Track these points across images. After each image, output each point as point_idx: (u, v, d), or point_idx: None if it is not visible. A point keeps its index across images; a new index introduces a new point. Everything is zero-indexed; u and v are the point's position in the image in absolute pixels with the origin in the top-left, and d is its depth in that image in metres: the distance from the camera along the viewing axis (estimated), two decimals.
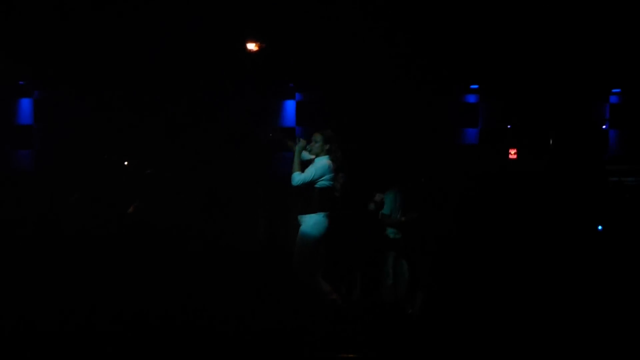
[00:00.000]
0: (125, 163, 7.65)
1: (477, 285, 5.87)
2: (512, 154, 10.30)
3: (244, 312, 5.14)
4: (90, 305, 5.04)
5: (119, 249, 6.12)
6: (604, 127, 10.51)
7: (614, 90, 10.48)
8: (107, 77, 9.25)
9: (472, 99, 10.57)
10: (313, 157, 4.99)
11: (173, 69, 9.08)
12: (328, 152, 4.93)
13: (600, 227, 7.22)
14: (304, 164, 4.92)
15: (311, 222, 4.84)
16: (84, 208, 5.58)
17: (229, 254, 6.71)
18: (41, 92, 10.17)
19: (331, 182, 4.94)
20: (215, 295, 5.61)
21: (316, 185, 4.83)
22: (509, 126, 10.20)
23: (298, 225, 4.93)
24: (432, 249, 5.81)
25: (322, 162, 4.88)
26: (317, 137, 4.97)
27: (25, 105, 10.22)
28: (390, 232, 6.01)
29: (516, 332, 4.72)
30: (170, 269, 6.11)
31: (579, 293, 5.66)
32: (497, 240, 6.65)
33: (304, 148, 4.97)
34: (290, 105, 10.30)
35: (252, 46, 8.56)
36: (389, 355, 4.45)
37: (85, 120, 9.42)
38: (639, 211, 7.35)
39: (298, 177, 4.80)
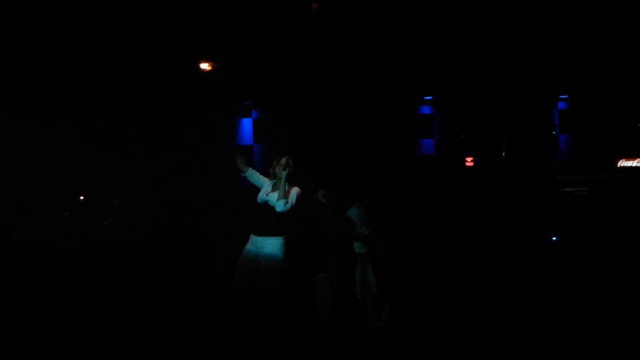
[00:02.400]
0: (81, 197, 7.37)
1: (441, 296, 5.91)
2: (469, 162, 10.52)
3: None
4: None
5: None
6: (554, 132, 10.86)
7: (561, 97, 10.84)
8: (57, 102, 9.01)
9: (427, 110, 10.77)
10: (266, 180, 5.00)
11: (127, 92, 8.91)
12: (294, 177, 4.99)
13: (554, 238, 7.39)
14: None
15: (279, 245, 4.84)
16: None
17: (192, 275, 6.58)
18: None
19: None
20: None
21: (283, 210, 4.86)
22: (463, 135, 10.41)
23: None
24: (398, 261, 5.84)
25: (296, 190, 4.89)
26: (292, 161, 5.00)
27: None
28: (356, 246, 6.02)
29: (479, 343, 4.77)
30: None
31: (536, 303, 5.76)
32: (459, 252, 6.72)
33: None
34: (247, 123, 10.27)
35: (205, 66, 8.47)
36: None
37: (37, 147, 9.14)
38: (590, 220, 7.56)
39: (285, 205, 4.75)
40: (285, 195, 4.81)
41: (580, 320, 5.18)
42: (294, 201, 4.83)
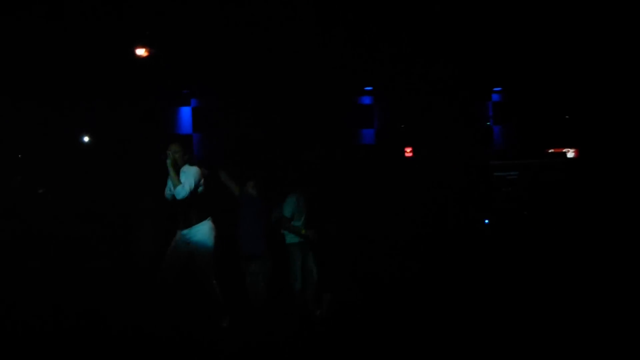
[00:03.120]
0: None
1: (382, 282, 6.01)
2: (408, 152, 10.72)
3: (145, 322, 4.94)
4: None
5: None
6: (488, 123, 11.23)
7: (495, 89, 11.22)
8: None
9: (367, 100, 10.88)
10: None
11: (62, 79, 8.53)
12: (188, 161, 4.94)
13: (486, 221, 7.66)
14: None
15: (206, 231, 4.83)
16: None
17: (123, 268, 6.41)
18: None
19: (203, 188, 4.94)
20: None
21: (198, 192, 4.82)
22: (402, 125, 10.60)
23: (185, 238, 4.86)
24: (338, 250, 5.88)
25: (192, 170, 4.86)
26: (176, 147, 4.95)
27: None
28: (295, 237, 6.01)
29: (417, 329, 4.88)
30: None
31: (472, 280, 5.96)
32: (400, 238, 6.85)
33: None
34: (186, 112, 10.05)
35: (141, 52, 8.18)
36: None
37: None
38: (520, 203, 7.89)
39: (183, 189, 4.74)
40: (178, 181, 4.79)
41: (514, 297, 5.41)
42: (193, 182, 4.82)
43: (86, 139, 9.33)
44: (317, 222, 6.17)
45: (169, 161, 4.84)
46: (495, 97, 11.30)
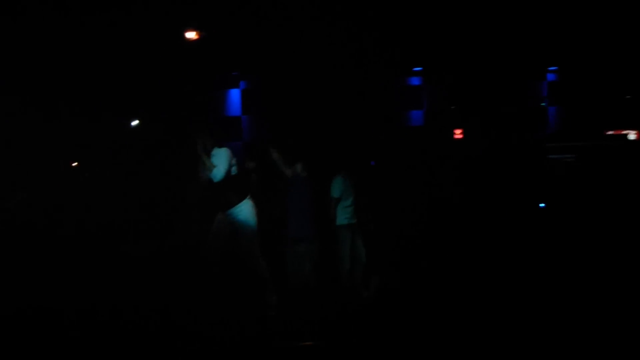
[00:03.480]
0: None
1: (432, 266, 5.93)
2: (458, 134, 10.49)
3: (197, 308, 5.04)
4: None
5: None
6: (542, 104, 10.84)
7: (550, 68, 10.80)
8: (42, 76, 8.83)
9: (416, 81, 10.69)
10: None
11: (111, 64, 8.75)
12: (217, 144, 5.02)
13: (542, 205, 7.40)
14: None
15: (248, 209, 4.91)
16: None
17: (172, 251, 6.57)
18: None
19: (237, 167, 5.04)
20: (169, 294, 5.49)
21: (232, 174, 4.90)
22: (452, 107, 10.38)
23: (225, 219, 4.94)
24: (389, 232, 5.86)
25: (222, 152, 4.92)
26: (202, 132, 5.04)
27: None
28: (345, 217, 6.01)
29: (468, 312, 4.80)
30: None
31: (524, 271, 5.79)
32: (448, 224, 6.73)
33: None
34: (235, 94, 10.14)
35: (191, 35, 8.29)
36: (344, 340, 4.45)
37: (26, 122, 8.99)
38: (578, 188, 7.58)
39: (218, 172, 4.85)
40: (211, 165, 4.87)
41: (571, 288, 5.23)
42: (226, 163, 4.88)
43: (135, 122, 9.55)
44: (366, 204, 6.17)
45: (199, 147, 4.95)
46: (550, 76, 10.88)
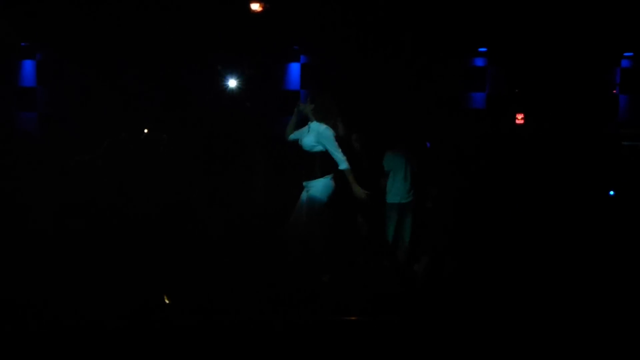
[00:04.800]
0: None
1: (490, 249, 5.82)
2: (519, 119, 10.17)
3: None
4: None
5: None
6: (614, 91, 10.33)
7: (625, 54, 10.26)
8: (109, 41, 9.12)
9: (480, 62, 10.39)
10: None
11: (174, 32, 8.91)
12: (320, 115, 4.96)
13: (612, 192, 7.10)
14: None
15: (320, 186, 4.89)
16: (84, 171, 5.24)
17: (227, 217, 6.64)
18: (43, 54, 10.06)
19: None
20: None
21: (315, 150, 4.87)
22: (516, 90, 10.04)
23: (298, 191, 4.98)
24: (446, 214, 5.79)
25: (327, 132, 4.89)
26: (313, 99, 5.03)
27: (28, 67, 10.14)
28: (395, 195, 5.98)
29: (520, 300, 4.69)
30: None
31: (592, 262, 5.57)
32: (507, 208, 6.56)
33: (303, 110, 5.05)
34: (294, 68, 10.15)
35: (256, 6, 8.33)
36: (389, 318, 4.46)
37: (89, 84, 9.31)
38: None
39: (343, 162, 4.84)
40: (293, 129, 5.11)
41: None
42: (303, 140, 4.89)
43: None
44: (421, 183, 6.11)
45: (297, 108, 5.04)
46: (625, 62, 10.33)
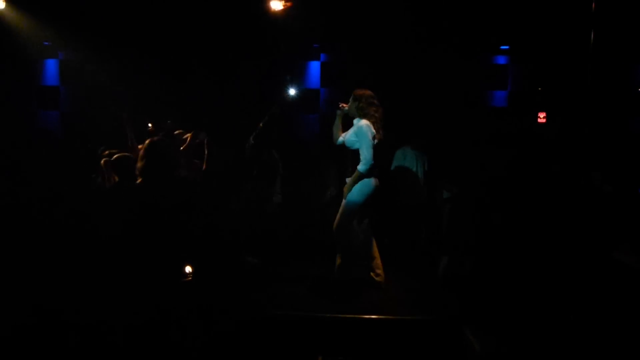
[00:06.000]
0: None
1: (504, 250, 5.75)
2: (541, 118, 10.04)
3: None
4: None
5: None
6: (639, 90, 10.15)
7: None
8: (130, 38, 9.17)
9: (502, 60, 10.27)
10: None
11: (194, 30, 8.94)
12: (361, 112, 4.95)
13: None
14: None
15: (357, 187, 4.90)
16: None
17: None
18: (66, 53, 10.16)
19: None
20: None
21: (355, 147, 4.87)
22: (539, 88, 9.91)
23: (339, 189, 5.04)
24: (464, 215, 5.75)
25: (364, 129, 4.88)
26: (351, 97, 5.05)
27: (51, 66, 10.25)
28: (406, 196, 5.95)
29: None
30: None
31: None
32: (527, 207, 6.48)
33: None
34: (314, 67, 10.13)
35: (277, 5, 8.29)
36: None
37: (111, 82, 9.37)
38: None
39: (364, 165, 4.86)
40: (338, 134, 5.09)
41: None
42: (346, 137, 4.88)
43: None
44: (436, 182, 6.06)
45: (339, 112, 4.99)
46: None
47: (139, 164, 4.53)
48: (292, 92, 7.31)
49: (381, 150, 5.74)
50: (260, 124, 5.80)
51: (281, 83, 9.14)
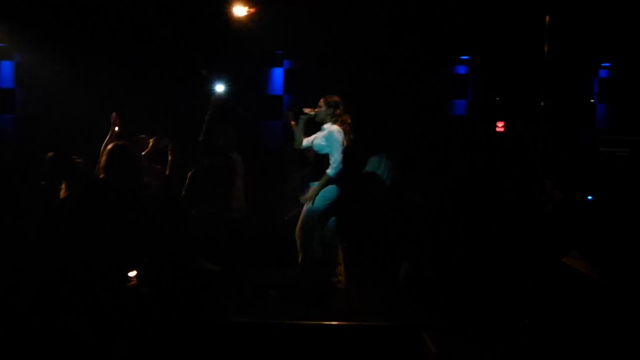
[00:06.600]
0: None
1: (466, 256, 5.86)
2: (500, 126, 10.29)
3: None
4: None
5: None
6: (592, 100, 10.52)
7: (603, 65, 10.45)
8: (88, 39, 9.00)
9: (462, 70, 10.50)
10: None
11: (156, 33, 8.83)
12: (334, 118, 4.99)
13: (590, 197, 7.21)
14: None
15: (322, 191, 4.92)
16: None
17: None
18: (22, 55, 9.89)
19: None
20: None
21: (324, 152, 4.91)
22: (497, 98, 10.16)
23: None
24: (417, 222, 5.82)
25: (332, 134, 4.90)
26: (322, 103, 5.06)
27: (6, 68, 9.95)
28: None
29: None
30: None
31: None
32: (487, 213, 6.61)
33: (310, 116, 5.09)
34: (278, 73, 10.14)
35: (241, 11, 8.25)
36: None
37: (69, 85, 9.15)
38: (630, 182, 7.32)
39: (334, 169, 4.92)
40: (299, 138, 5.19)
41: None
42: (314, 141, 4.90)
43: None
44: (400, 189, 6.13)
45: (302, 118, 5.04)
46: (602, 73, 10.53)
47: (101, 166, 4.46)
48: (218, 88, 7.21)
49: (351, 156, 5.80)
50: (205, 118, 5.77)
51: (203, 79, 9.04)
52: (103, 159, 4.46)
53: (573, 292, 4.58)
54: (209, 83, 7.76)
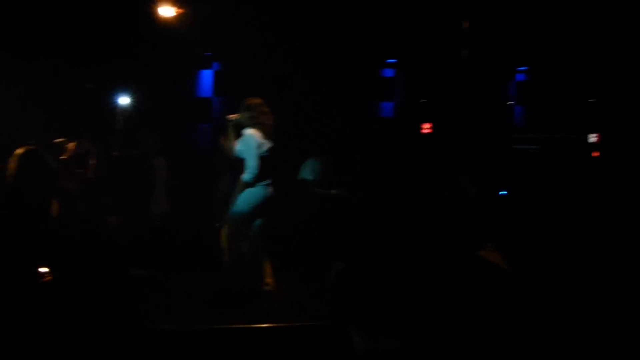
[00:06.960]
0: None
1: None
2: (426, 128, 10.60)
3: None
4: None
5: None
6: (509, 103, 11.05)
7: (520, 68, 11.00)
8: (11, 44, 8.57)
9: (389, 73, 10.76)
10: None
11: (81, 35, 8.54)
12: (253, 121, 4.97)
13: (504, 192, 7.56)
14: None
15: (251, 191, 4.90)
16: None
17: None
18: None
19: (263, 152, 4.95)
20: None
21: (243, 157, 4.89)
22: (423, 100, 10.48)
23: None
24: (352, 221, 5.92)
25: (246, 137, 4.91)
26: (242, 106, 5.04)
27: None
28: None
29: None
30: None
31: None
32: (412, 211, 6.79)
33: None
34: (207, 75, 10.04)
35: (168, 11, 8.09)
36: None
37: None
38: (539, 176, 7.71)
39: (249, 174, 4.91)
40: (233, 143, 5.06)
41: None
42: (241, 147, 4.91)
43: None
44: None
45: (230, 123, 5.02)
46: (519, 76, 11.09)
47: (10, 173, 4.28)
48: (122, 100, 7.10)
49: (283, 157, 5.82)
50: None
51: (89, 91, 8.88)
52: (12, 164, 4.30)
53: (488, 283, 4.80)
54: (97, 96, 7.63)
